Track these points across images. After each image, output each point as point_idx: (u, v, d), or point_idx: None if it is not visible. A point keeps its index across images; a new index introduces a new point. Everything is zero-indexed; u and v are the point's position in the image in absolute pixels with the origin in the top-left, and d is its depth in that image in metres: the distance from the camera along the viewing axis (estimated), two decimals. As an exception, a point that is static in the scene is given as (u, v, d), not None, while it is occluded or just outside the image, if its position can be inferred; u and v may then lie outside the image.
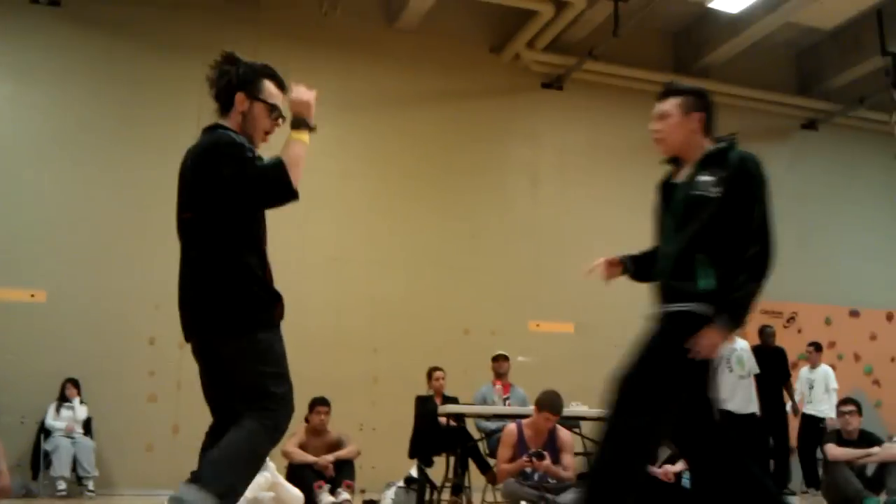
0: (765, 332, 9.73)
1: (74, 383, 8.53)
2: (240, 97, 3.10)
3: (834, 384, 9.67)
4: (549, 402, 6.51)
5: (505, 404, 7.96)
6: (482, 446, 7.76)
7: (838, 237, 12.32)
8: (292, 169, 2.95)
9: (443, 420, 7.68)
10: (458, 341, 9.93)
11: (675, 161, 3.44)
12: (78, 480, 8.22)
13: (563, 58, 11.25)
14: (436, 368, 8.33)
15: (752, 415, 8.03)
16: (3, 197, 9.00)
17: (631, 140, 11.83)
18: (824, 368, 9.79)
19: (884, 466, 6.83)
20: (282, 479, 6.83)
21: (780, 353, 9.60)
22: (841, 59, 11.85)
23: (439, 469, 7.66)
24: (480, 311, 10.33)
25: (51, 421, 8.33)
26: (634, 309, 11.20)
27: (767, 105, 12.28)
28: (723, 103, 11.89)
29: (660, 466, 6.52)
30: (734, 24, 10.89)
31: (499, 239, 10.77)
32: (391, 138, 10.59)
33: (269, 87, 3.15)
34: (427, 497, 6.96)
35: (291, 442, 7.24)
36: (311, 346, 9.11)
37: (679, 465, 6.47)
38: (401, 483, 7.02)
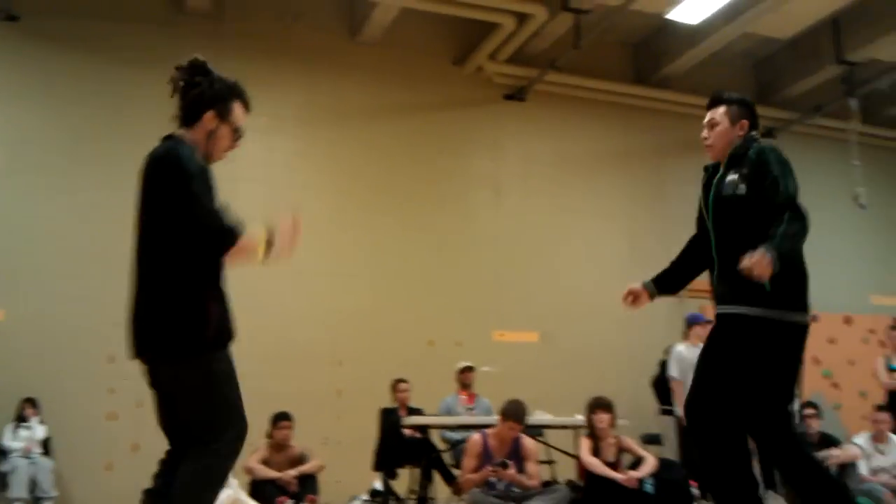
0: None
1: (32, 403, 8.38)
2: (209, 116, 3.03)
3: None
4: (513, 412, 6.54)
5: (469, 414, 7.96)
6: (447, 457, 7.74)
7: (798, 243, 12.42)
8: (237, 249, 2.86)
9: (407, 432, 7.66)
10: (423, 353, 9.90)
11: (718, 167, 3.67)
12: (35, 501, 8.06)
13: (526, 70, 11.31)
14: (400, 380, 8.32)
15: None
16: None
17: (594, 150, 11.94)
18: None
19: (844, 467, 6.91)
20: (244, 496, 6.75)
21: None
22: (798, 68, 12.01)
23: (404, 481, 7.63)
24: (445, 322, 10.31)
25: (8, 442, 8.17)
26: (597, 318, 11.39)
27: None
28: (682, 113, 12.20)
29: (623, 472, 6.55)
30: (693, 35, 11.00)
31: (463, 250, 10.77)
32: (354, 151, 10.58)
33: (237, 109, 3.10)
34: (391, 509, 6.92)
35: (254, 458, 7.17)
36: (273, 361, 9.04)
37: (643, 471, 6.50)
38: (365, 496, 6.99)
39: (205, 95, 3.03)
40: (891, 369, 8.28)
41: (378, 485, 7.14)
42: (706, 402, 3.37)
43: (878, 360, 8.46)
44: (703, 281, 11.63)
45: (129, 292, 3.00)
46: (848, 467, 6.98)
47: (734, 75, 12.49)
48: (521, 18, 10.33)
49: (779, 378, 3.31)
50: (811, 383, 8.88)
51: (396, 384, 8.31)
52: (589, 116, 11.87)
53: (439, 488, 7.60)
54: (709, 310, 9.19)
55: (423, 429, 7.62)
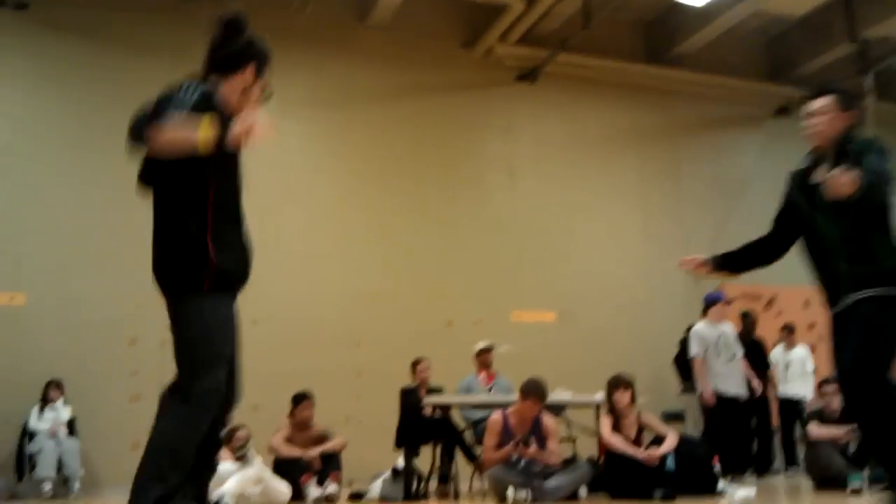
0: (746, 321, 9.78)
1: (57, 385, 8.49)
2: (250, 69, 3.01)
3: (811, 365, 9.78)
4: (534, 390, 6.58)
5: (489, 393, 8.02)
6: (468, 436, 7.81)
7: (814, 220, 12.43)
8: (167, 129, 2.65)
9: (428, 411, 7.74)
10: (441, 333, 9.98)
11: (815, 155, 3.82)
12: (63, 481, 8.19)
13: (536, 51, 11.29)
14: (420, 360, 8.37)
15: (739, 397, 8.10)
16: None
17: (607, 131, 11.94)
18: (800, 350, 9.91)
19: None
20: (269, 474, 6.84)
21: (759, 347, 9.64)
22: (811, 46, 11.99)
23: (426, 459, 7.71)
24: (462, 303, 10.39)
25: (34, 423, 8.29)
26: (614, 296, 11.46)
27: (740, 93, 12.42)
28: (695, 92, 12.21)
29: (645, 449, 6.61)
30: (705, 13, 10.98)
31: (479, 231, 10.82)
32: (365, 135, 10.60)
33: (268, 74, 3.11)
34: (414, 487, 6.99)
35: (277, 437, 7.25)
36: (293, 342, 9.14)
37: (663, 448, 6.56)
38: (388, 474, 7.04)
39: (252, 47, 3.02)
40: None
41: (400, 463, 7.20)
42: (863, 375, 3.47)
43: None
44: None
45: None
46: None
47: (747, 54, 12.49)
48: (530, -1, 10.31)
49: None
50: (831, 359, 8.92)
51: (416, 364, 8.36)
52: (601, 96, 11.87)
53: (461, 466, 7.69)
54: (727, 289, 9.31)
55: (444, 408, 7.69)
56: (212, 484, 3.44)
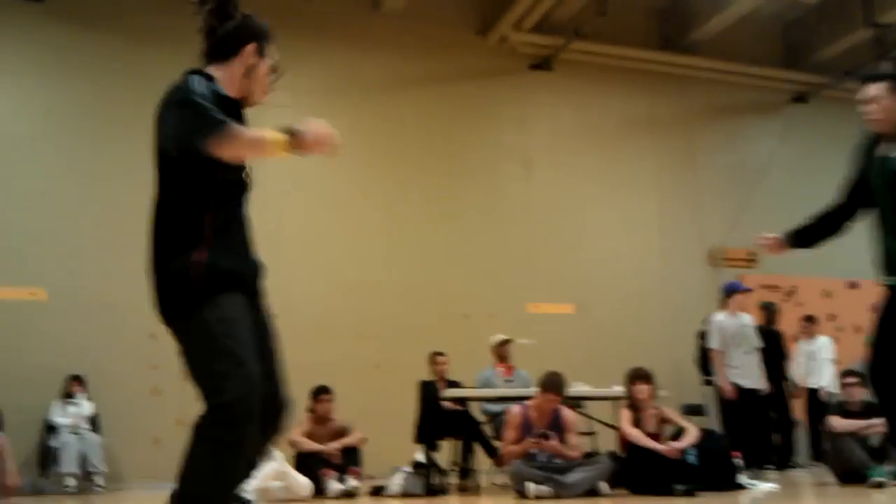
0: (768, 311, 9.67)
1: (79, 380, 8.54)
2: (250, 49, 2.77)
3: (829, 355, 9.70)
4: (552, 383, 6.58)
5: (507, 386, 8.03)
6: (487, 429, 7.83)
7: (834, 209, 12.34)
8: (239, 138, 2.48)
9: (447, 404, 7.75)
10: (458, 326, 9.98)
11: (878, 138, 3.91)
12: (86, 476, 8.24)
13: (551, 38, 11.22)
14: (438, 353, 8.37)
15: (759, 389, 8.03)
16: (-1, 196, 8.98)
17: (622, 119, 11.88)
18: (823, 340, 9.84)
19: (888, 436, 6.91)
20: (289, 468, 6.89)
21: (776, 337, 9.56)
22: (828, 32, 11.89)
23: (445, 453, 7.73)
24: (479, 296, 10.38)
25: (57, 418, 8.34)
26: (632, 287, 11.44)
27: (756, 79, 12.32)
28: (712, 79, 12.12)
29: (665, 443, 6.60)
30: (720, -1, 10.92)
31: (494, 223, 10.80)
32: (379, 126, 10.57)
33: (273, 51, 2.86)
34: (434, 481, 7.01)
35: (297, 431, 7.28)
36: (311, 336, 9.14)
37: (684, 442, 6.54)
38: (408, 468, 7.06)
39: (247, 25, 2.78)
40: None
41: (420, 457, 7.23)
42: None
43: None
44: (740, 250, 11.64)
45: None
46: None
47: (763, 39, 12.39)
48: (545, -14, 10.24)
49: None
50: (854, 351, 8.88)
51: (434, 357, 8.36)
52: (616, 84, 11.80)
53: (481, 460, 7.71)
54: (746, 279, 9.24)
55: (463, 401, 7.70)
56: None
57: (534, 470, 6.33)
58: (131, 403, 8.85)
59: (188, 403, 8.44)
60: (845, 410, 7.21)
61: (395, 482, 6.98)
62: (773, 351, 9.09)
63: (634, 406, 6.80)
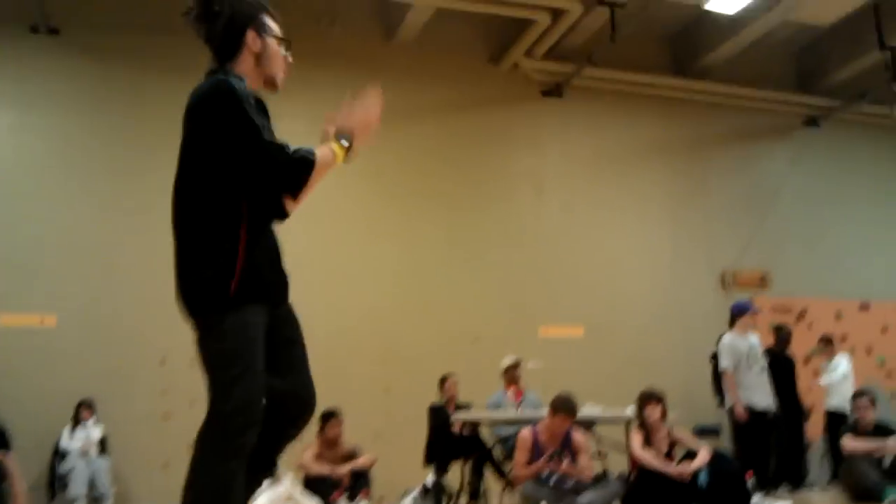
0: (779, 335, 9.53)
1: (88, 405, 8.56)
2: (251, 36, 2.71)
3: (841, 372, 9.57)
4: (564, 405, 6.55)
5: (518, 409, 7.98)
6: (498, 452, 7.77)
7: (845, 231, 12.28)
8: (316, 170, 2.58)
9: (457, 427, 7.71)
10: (468, 349, 9.93)
11: None
12: (94, 500, 8.24)
13: (562, 65, 11.28)
14: (448, 376, 8.35)
15: (769, 410, 7.92)
16: (7, 224, 9.06)
17: (634, 144, 11.89)
18: (840, 359, 9.73)
19: (900, 458, 6.82)
20: (299, 492, 6.83)
21: (789, 364, 9.42)
22: (840, 55, 11.87)
23: (455, 476, 7.67)
24: (489, 319, 10.35)
25: (66, 443, 8.36)
26: (643, 310, 11.38)
27: (768, 103, 12.31)
28: (724, 103, 12.14)
29: (676, 465, 6.52)
30: (731, 24, 10.92)
31: (506, 247, 10.80)
32: (393, 153, 10.59)
33: (270, 21, 2.80)
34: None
35: (306, 454, 7.26)
36: (320, 359, 9.07)
37: (696, 463, 6.47)
38: (418, 491, 7.02)
39: (235, 17, 2.71)
40: None
41: (430, 480, 7.18)
42: None
43: None
44: (752, 272, 11.57)
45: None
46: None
47: (776, 64, 12.39)
48: (556, 14, 10.26)
49: None
50: (865, 372, 8.80)
51: (444, 380, 8.34)
52: (628, 110, 11.82)
53: (491, 483, 7.64)
54: (758, 301, 9.16)
55: (473, 424, 7.65)
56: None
57: (545, 492, 6.28)
58: (141, 428, 8.84)
59: (197, 428, 8.48)
60: (857, 431, 7.11)
61: (405, 505, 6.94)
62: (785, 373, 9.00)
63: (646, 428, 6.74)
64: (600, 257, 11.20)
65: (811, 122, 12.64)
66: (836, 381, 9.55)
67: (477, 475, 7.53)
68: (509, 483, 7.37)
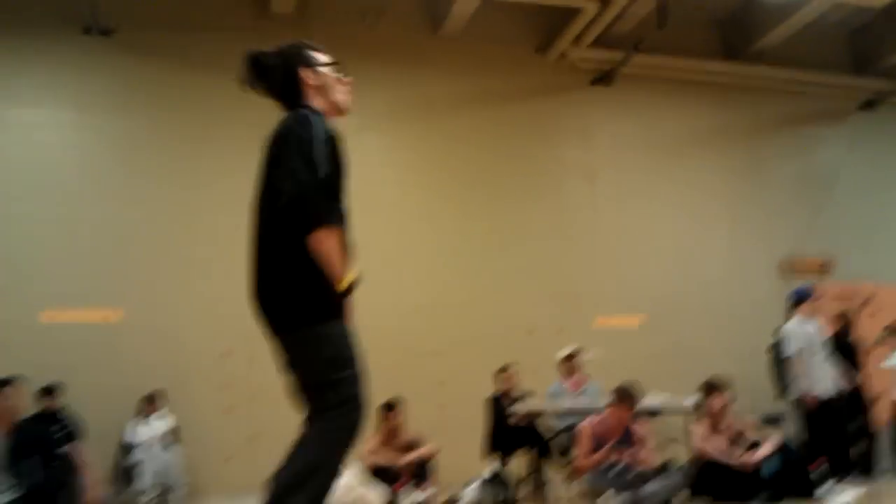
0: (842, 322, 9.36)
1: (154, 398, 8.73)
2: (305, 73, 2.93)
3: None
4: (626, 396, 6.52)
5: (576, 400, 7.96)
6: (557, 442, 7.76)
7: (908, 214, 12.06)
8: (328, 240, 2.69)
9: (515, 419, 7.72)
10: (524, 341, 9.92)
11: None
12: (162, 492, 8.40)
13: (611, 53, 11.21)
14: (506, 367, 8.36)
15: (837, 397, 7.77)
16: (75, 223, 9.25)
17: (686, 131, 11.78)
18: None
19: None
20: (362, 482, 6.90)
21: (852, 346, 9.27)
22: (895, 37, 11.64)
23: (516, 466, 7.69)
24: (544, 311, 10.34)
25: (133, 436, 8.55)
26: (702, 299, 11.25)
27: (823, 87, 12.12)
28: (778, 87, 11.96)
29: (740, 455, 6.47)
30: (783, 7, 10.78)
31: (559, 238, 10.78)
32: (442, 145, 10.66)
33: (316, 54, 3.01)
34: (505, 494, 6.98)
35: (368, 445, 7.31)
36: (375, 353, 9.13)
37: (760, 453, 6.41)
38: (479, 481, 7.04)
39: (285, 62, 2.94)
40: None
41: (491, 470, 7.20)
42: None
43: None
44: (812, 259, 11.35)
45: (248, 269, 2.90)
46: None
47: (830, 46, 12.20)
48: (604, 1, 10.21)
49: None
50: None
51: (502, 372, 8.35)
52: (679, 97, 11.71)
53: (552, 473, 7.64)
54: (822, 287, 9.00)
55: (532, 415, 7.65)
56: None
57: (607, 482, 6.26)
58: (204, 421, 9.00)
59: (259, 421, 8.64)
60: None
61: (467, 495, 6.96)
62: (850, 360, 8.85)
63: (709, 418, 6.69)
64: (655, 247, 11.12)
65: (867, 105, 12.41)
66: None
67: (538, 465, 7.53)
68: (570, 473, 7.37)
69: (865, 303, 11.19)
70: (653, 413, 7.52)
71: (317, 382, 2.71)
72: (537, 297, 10.43)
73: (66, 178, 9.40)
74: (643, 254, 11.05)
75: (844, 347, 8.73)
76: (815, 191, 11.87)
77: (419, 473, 7.24)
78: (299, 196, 2.66)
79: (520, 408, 7.60)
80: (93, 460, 7.59)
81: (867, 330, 9.90)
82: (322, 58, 3.00)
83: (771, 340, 8.73)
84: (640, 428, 6.68)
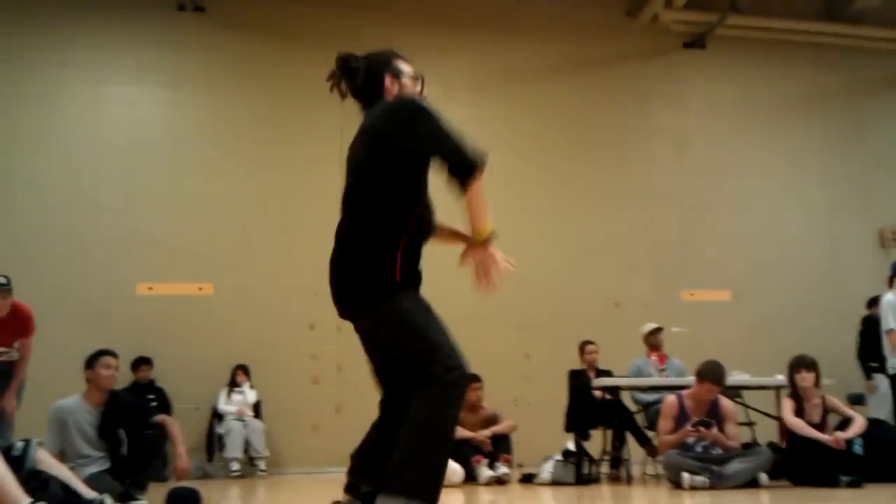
0: None
1: (244, 369, 8.98)
2: (388, 80, 3.04)
3: None
4: (712, 373, 6.35)
5: (661, 376, 7.82)
6: (639, 419, 7.65)
7: None
8: (479, 188, 2.91)
9: (598, 393, 7.63)
10: (609, 315, 9.81)
11: None
12: (250, 461, 8.66)
13: (705, 14, 10.86)
14: (588, 342, 8.27)
15: None
16: (169, 197, 9.52)
17: (783, 94, 11.32)
18: None
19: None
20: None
21: None
22: None
23: (596, 442, 7.62)
24: (630, 284, 10.17)
25: (223, 406, 8.80)
26: (794, 272, 10.86)
27: (927, 47, 11.47)
28: (879, 48, 11.36)
29: (830, 433, 6.25)
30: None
31: (646, 208, 10.55)
32: (528, 112, 10.53)
33: (402, 64, 3.10)
34: (585, 470, 6.92)
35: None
36: (461, 326, 9.13)
37: (851, 431, 6.18)
38: (558, 457, 6.99)
39: (371, 67, 3.05)
40: None
41: (571, 445, 7.14)
42: None
43: None
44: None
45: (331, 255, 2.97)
46: None
47: (937, 4, 11.48)
48: (698, -41, 9.89)
49: None
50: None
51: (584, 346, 8.26)
52: (775, 59, 11.26)
53: (633, 450, 7.54)
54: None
55: (614, 390, 7.56)
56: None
57: (690, 460, 6.12)
58: (292, 392, 9.22)
59: (345, 392, 8.80)
60: None
61: (546, 470, 6.93)
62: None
63: (797, 395, 6.47)
64: (748, 217, 10.76)
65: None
66: None
67: (619, 442, 7.44)
68: (652, 450, 7.25)
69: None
70: (738, 390, 7.32)
71: (412, 359, 2.76)
72: (623, 268, 10.26)
73: (161, 154, 9.67)
74: (734, 224, 10.71)
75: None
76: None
77: (498, 448, 7.25)
78: (455, 147, 2.85)
79: (605, 382, 7.50)
80: (184, 429, 7.85)
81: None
82: (407, 69, 3.10)
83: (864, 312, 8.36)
84: (727, 405, 6.51)
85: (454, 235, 3.24)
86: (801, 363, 6.50)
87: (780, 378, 6.82)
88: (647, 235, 10.45)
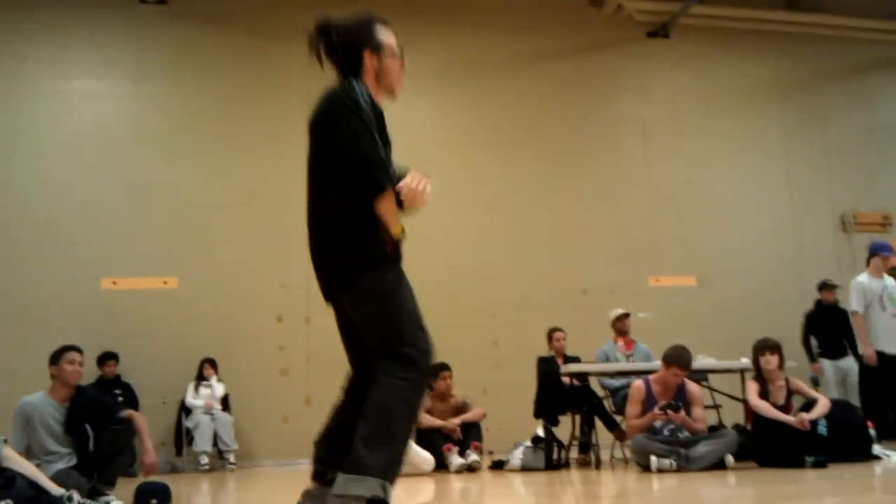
0: None
1: (211, 363, 8.91)
2: (367, 55, 2.99)
3: None
4: (678, 357, 6.41)
5: (628, 361, 7.88)
6: (607, 404, 7.71)
7: None
8: (389, 201, 2.78)
9: (566, 379, 7.67)
10: (577, 302, 9.88)
11: None
12: (219, 454, 8.61)
13: (668, 4, 10.96)
14: (556, 329, 8.30)
15: None
16: (133, 191, 9.42)
17: (745, 83, 11.44)
18: None
19: None
20: (412, 444, 6.96)
21: None
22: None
23: (565, 428, 7.66)
24: (597, 270, 10.24)
25: (191, 399, 8.73)
26: (757, 257, 11.00)
27: (886, 34, 11.65)
28: (840, 36, 11.50)
29: (795, 414, 6.34)
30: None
31: (612, 196, 10.62)
32: (494, 102, 10.54)
33: (383, 33, 3.04)
34: (555, 456, 6.96)
35: (418, 408, 7.36)
36: (429, 315, 9.17)
37: (815, 412, 6.27)
38: (528, 443, 7.03)
39: (352, 43, 2.98)
40: None
41: (540, 431, 7.19)
42: None
43: None
44: (874, 213, 10.98)
45: (308, 240, 2.97)
46: None
47: (896, -8, 11.67)
48: (661, -50, 9.96)
49: None
50: None
51: (552, 333, 8.29)
52: (739, 47, 11.38)
53: (602, 434, 7.60)
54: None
55: (582, 376, 7.61)
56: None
57: (658, 444, 6.18)
58: (261, 384, 9.18)
59: (315, 383, 8.75)
60: None
61: (516, 456, 6.96)
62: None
63: (762, 378, 6.55)
64: (712, 204, 10.89)
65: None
66: None
67: (587, 427, 7.50)
68: (621, 434, 7.32)
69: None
70: (704, 374, 7.40)
71: (382, 331, 2.77)
72: (591, 256, 10.34)
73: (124, 148, 9.56)
74: (699, 211, 10.83)
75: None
76: (878, 142, 11.46)
77: (468, 435, 7.28)
78: (366, 160, 2.75)
79: (573, 368, 7.54)
80: (152, 424, 7.79)
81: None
82: (388, 39, 3.05)
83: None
84: (693, 388, 6.58)
85: None
86: (765, 346, 6.58)
87: (745, 361, 6.90)
88: (613, 223, 10.53)
